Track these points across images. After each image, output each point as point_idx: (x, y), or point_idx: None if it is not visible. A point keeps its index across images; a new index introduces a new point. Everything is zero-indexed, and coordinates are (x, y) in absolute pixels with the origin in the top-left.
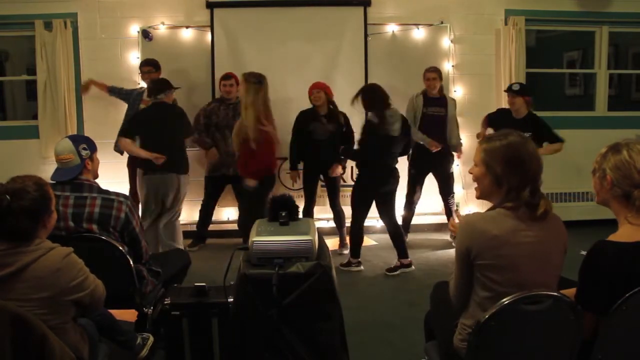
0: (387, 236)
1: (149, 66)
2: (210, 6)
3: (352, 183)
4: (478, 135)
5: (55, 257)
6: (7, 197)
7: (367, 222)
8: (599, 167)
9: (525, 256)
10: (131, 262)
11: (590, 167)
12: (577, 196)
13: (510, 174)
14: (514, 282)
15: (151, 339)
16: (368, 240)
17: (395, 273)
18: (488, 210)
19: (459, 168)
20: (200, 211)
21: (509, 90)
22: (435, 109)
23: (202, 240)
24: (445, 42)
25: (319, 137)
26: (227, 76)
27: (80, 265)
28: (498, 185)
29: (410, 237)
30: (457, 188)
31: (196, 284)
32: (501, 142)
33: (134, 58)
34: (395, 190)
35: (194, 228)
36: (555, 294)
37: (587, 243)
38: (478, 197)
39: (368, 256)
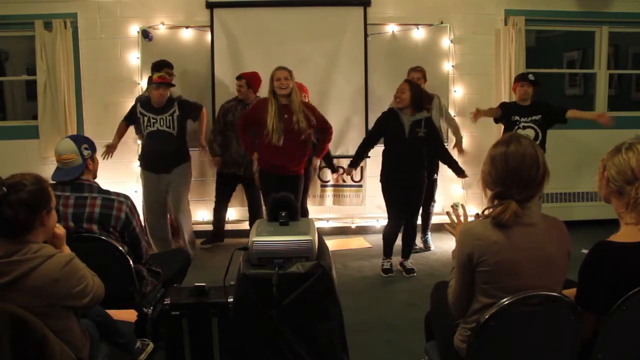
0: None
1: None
2: (210, 6)
3: (353, 183)
4: (476, 112)
5: (55, 267)
6: (4, 188)
7: (365, 223)
8: (602, 163)
9: (526, 262)
10: (131, 263)
11: (590, 167)
12: (578, 196)
13: (488, 173)
14: (517, 288)
15: (151, 345)
16: (363, 242)
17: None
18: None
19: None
20: (214, 210)
21: (525, 79)
22: None
23: (220, 239)
24: (445, 42)
25: None
26: (239, 77)
27: (81, 272)
28: (488, 187)
29: None
30: (457, 188)
31: (196, 284)
32: (495, 145)
33: (134, 58)
34: None
35: (202, 227)
36: (555, 294)
37: (588, 243)
38: None
39: (368, 256)
